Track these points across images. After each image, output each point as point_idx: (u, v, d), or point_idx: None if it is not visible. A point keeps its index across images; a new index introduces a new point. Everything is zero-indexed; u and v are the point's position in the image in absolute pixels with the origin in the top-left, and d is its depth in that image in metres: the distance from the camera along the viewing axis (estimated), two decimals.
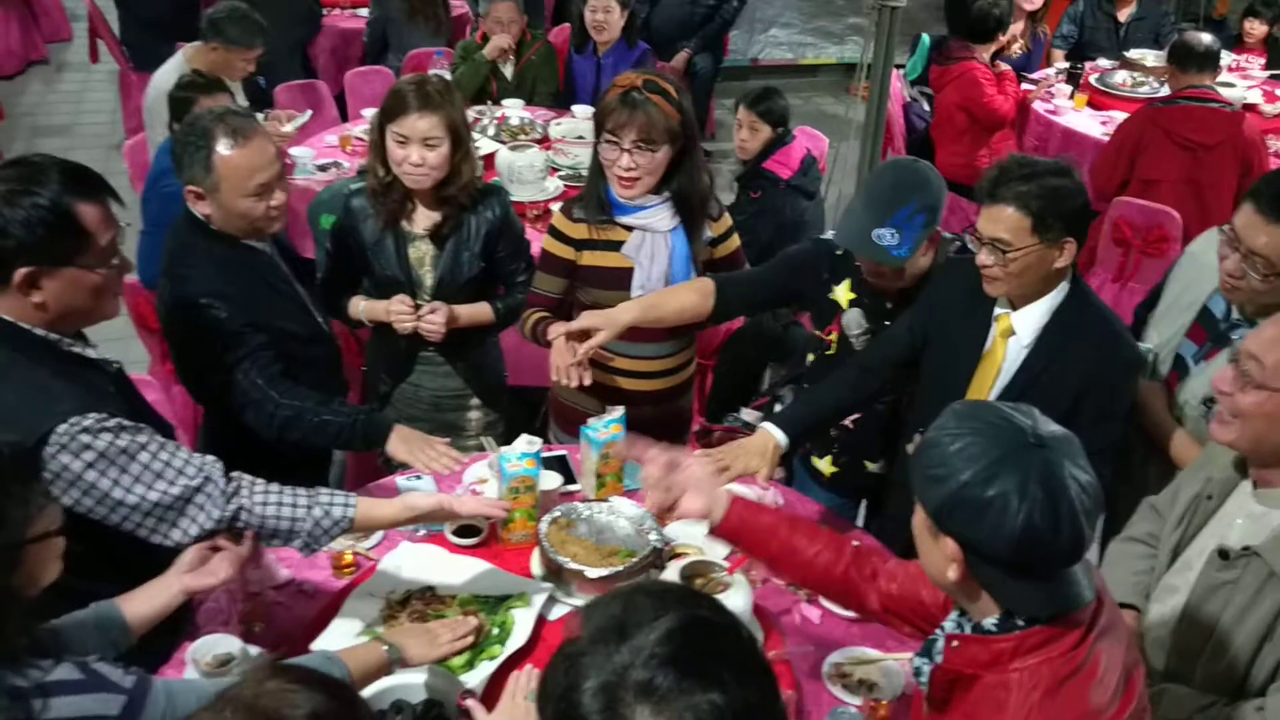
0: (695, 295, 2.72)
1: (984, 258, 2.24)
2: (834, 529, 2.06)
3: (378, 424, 2.55)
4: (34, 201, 1.91)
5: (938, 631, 1.63)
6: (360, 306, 2.99)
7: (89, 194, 1.98)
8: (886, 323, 2.71)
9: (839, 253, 2.75)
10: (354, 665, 1.87)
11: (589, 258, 2.87)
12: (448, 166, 2.84)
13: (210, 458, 2.09)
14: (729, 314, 2.80)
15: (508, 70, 5.47)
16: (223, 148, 2.48)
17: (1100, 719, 1.45)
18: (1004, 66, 5.59)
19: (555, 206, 4.08)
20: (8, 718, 1.45)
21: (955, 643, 1.53)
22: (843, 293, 2.75)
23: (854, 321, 2.71)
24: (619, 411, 2.64)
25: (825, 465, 2.97)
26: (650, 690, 1.09)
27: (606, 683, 1.11)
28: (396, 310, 2.91)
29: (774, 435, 2.43)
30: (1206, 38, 4.81)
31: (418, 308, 2.92)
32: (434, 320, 2.90)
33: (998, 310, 2.35)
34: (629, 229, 2.83)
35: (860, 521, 3.03)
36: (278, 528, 2.09)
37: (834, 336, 2.79)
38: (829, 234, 2.83)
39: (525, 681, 1.91)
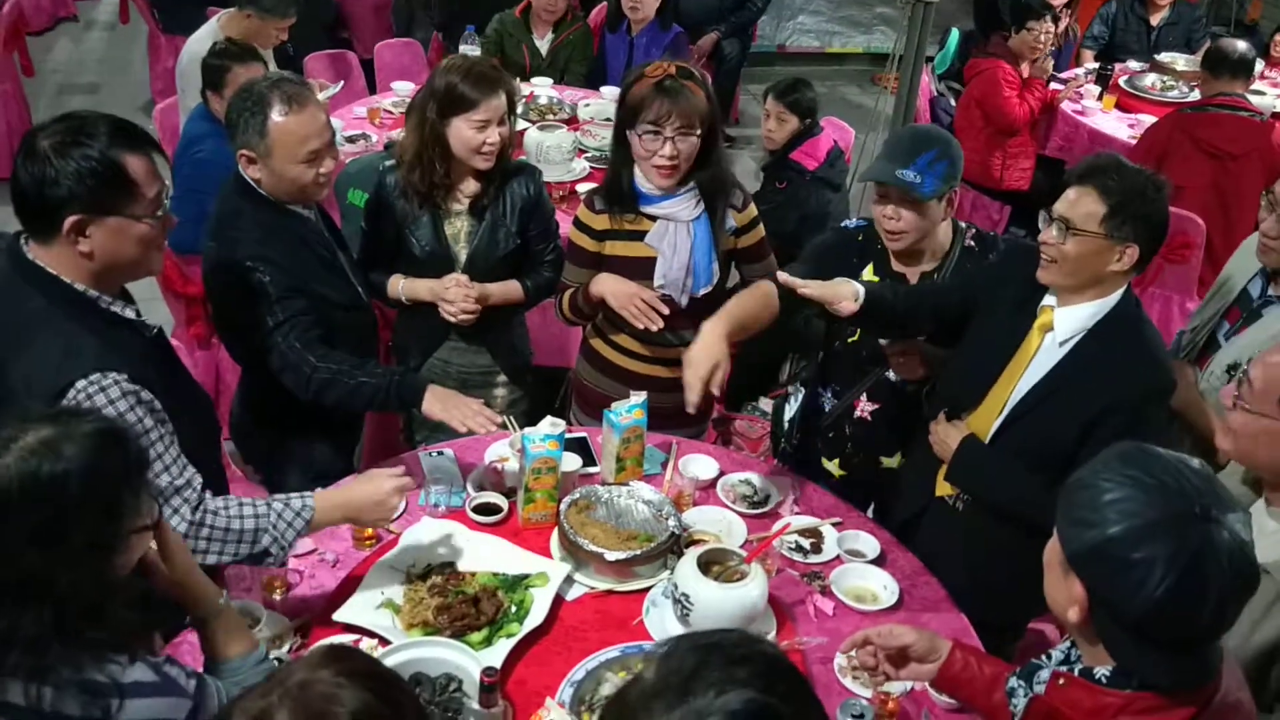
0: (765, 297, 2.64)
1: (1047, 234, 2.26)
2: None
3: (412, 384, 2.60)
4: (84, 153, 1.95)
5: (1044, 658, 1.61)
6: (400, 285, 3.01)
7: (136, 146, 2.03)
8: None
9: (859, 238, 2.80)
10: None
11: (612, 247, 2.89)
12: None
13: (192, 469, 2.11)
14: (790, 308, 2.72)
15: (543, 46, 5.46)
16: (277, 114, 2.52)
17: None
18: (1055, 78, 5.55)
19: (581, 187, 4.13)
20: (85, 715, 1.47)
21: (1061, 680, 1.50)
22: (866, 276, 2.78)
23: None
24: (641, 396, 2.67)
25: (834, 468, 2.98)
26: None
27: None
28: (450, 300, 2.92)
29: (853, 283, 2.46)
30: (1241, 45, 4.79)
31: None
32: (467, 308, 2.94)
33: (1043, 303, 2.36)
34: (652, 218, 2.85)
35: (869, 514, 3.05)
36: (244, 528, 2.12)
37: None
38: (850, 221, 2.89)
39: None
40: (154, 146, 2.08)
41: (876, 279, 2.75)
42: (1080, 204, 2.21)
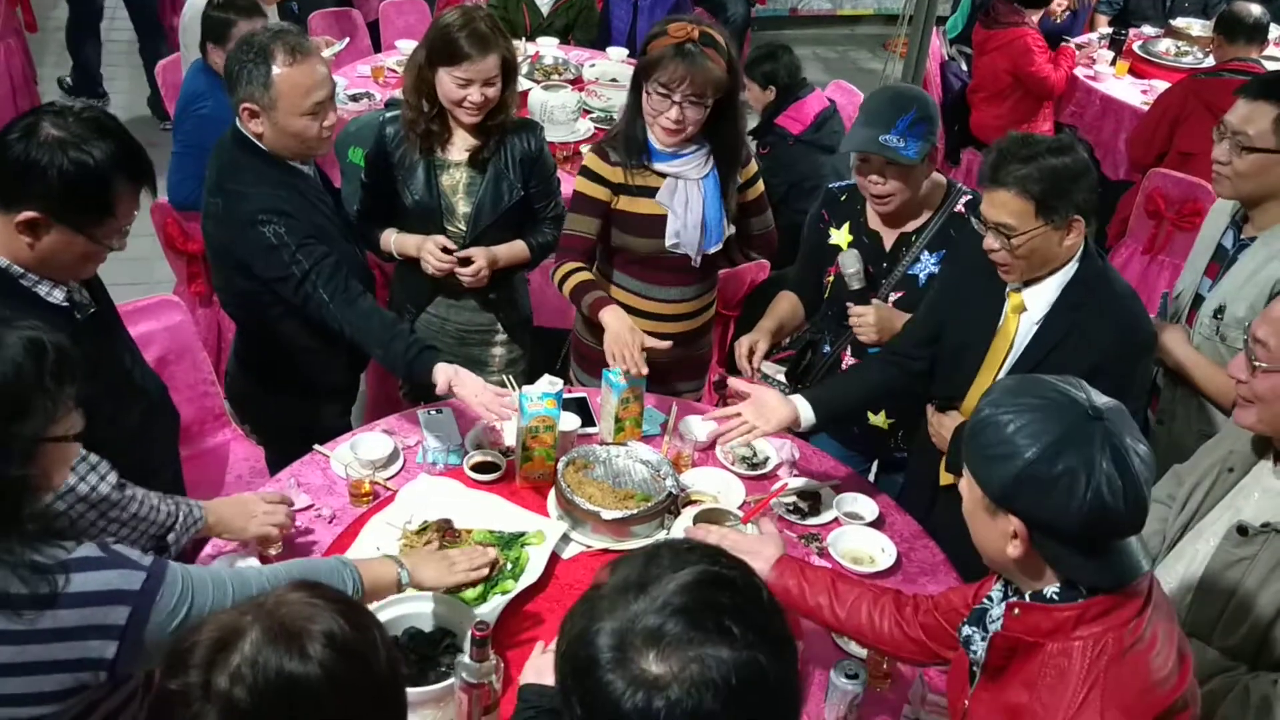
0: (792, 301, 2.97)
1: (990, 241, 2.23)
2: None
3: (424, 362, 2.53)
4: (82, 160, 1.89)
5: (986, 601, 1.64)
6: (391, 239, 2.99)
7: (133, 176, 1.98)
8: (884, 265, 2.73)
9: (842, 198, 2.81)
10: (367, 577, 1.91)
11: (623, 203, 2.86)
12: (499, 99, 2.86)
13: (95, 458, 1.99)
14: (815, 302, 2.96)
15: (544, 5, 5.39)
16: (280, 65, 2.48)
17: (1160, 691, 1.46)
18: (1068, 44, 5.52)
19: (586, 148, 4.09)
20: (31, 590, 1.50)
21: (1016, 610, 1.53)
22: (841, 236, 2.79)
23: (850, 261, 2.73)
24: (643, 373, 2.65)
25: None
26: (658, 637, 1.10)
27: (619, 628, 1.12)
28: (429, 250, 2.89)
29: (801, 412, 2.43)
30: (1256, 9, 4.73)
31: (451, 253, 2.91)
32: (472, 271, 2.90)
33: (1010, 286, 2.34)
34: (662, 175, 2.83)
35: (871, 478, 3.05)
36: (155, 518, 2.07)
37: (831, 279, 2.82)
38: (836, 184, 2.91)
39: None
40: (149, 177, 2.04)
41: (851, 238, 2.77)
42: (1007, 206, 2.16)
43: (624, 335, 2.69)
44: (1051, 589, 1.50)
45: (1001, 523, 1.47)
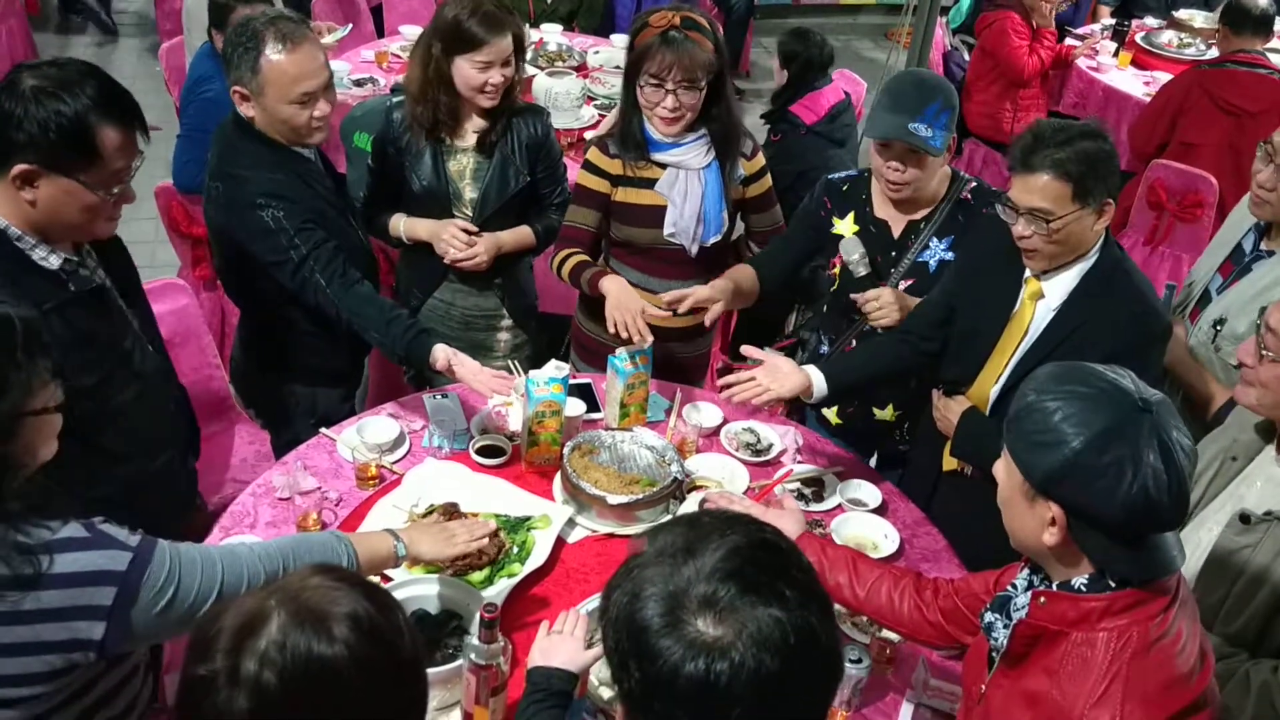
0: (750, 274, 2.84)
1: (1022, 228, 2.20)
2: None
3: (419, 348, 2.54)
4: (58, 107, 1.88)
5: (1011, 588, 1.64)
6: (401, 224, 2.99)
7: (117, 117, 1.95)
8: (893, 254, 2.72)
9: (845, 188, 2.78)
10: (362, 551, 1.91)
11: (622, 194, 2.87)
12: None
13: None
14: (774, 284, 2.90)
15: None
16: (271, 52, 2.48)
17: (1184, 688, 1.46)
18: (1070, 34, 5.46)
19: (590, 135, 4.09)
20: (14, 572, 1.48)
21: (1042, 599, 1.54)
22: (846, 226, 2.77)
23: (851, 248, 2.71)
24: (648, 342, 2.66)
25: (832, 415, 2.97)
26: (712, 602, 1.11)
27: (669, 593, 1.13)
28: (453, 234, 2.90)
29: (815, 381, 2.44)
30: (1263, 1, 4.72)
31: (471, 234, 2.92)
32: (469, 255, 2.91)
33: (1028, 273, 2.33)
34: (663, 166, 2.83)
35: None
36: None
37: (837, 270, 2.81)
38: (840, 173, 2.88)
39: (572, 621, 1.92)
40: (138, 119, 2.01)
41: (857, 228, 2.75)
42: (1045, 190, 2.14)
43: (625, 301, 2.70)
44: (1080, 580, 1.50)
45: (1040, 509, 1.48)
